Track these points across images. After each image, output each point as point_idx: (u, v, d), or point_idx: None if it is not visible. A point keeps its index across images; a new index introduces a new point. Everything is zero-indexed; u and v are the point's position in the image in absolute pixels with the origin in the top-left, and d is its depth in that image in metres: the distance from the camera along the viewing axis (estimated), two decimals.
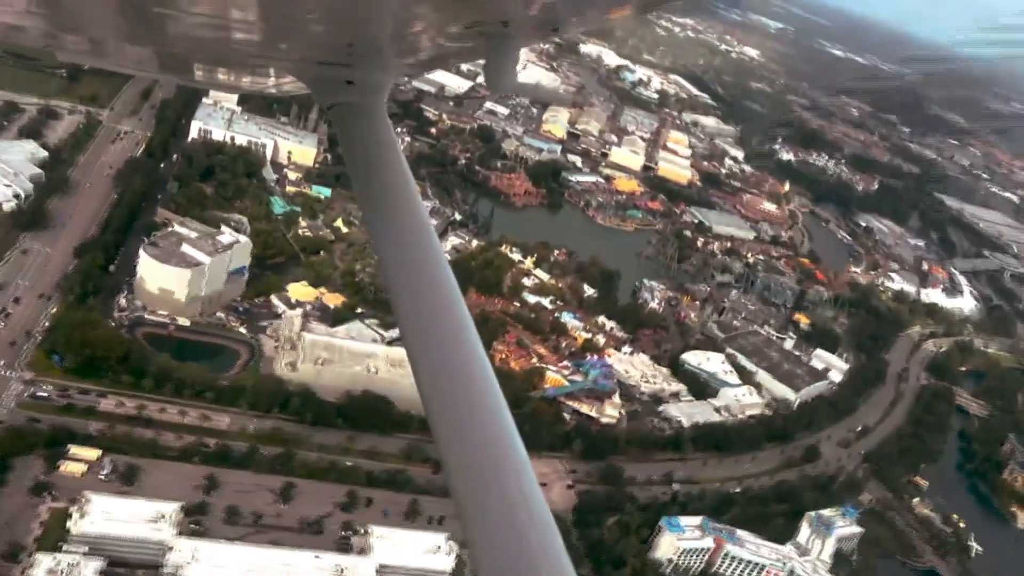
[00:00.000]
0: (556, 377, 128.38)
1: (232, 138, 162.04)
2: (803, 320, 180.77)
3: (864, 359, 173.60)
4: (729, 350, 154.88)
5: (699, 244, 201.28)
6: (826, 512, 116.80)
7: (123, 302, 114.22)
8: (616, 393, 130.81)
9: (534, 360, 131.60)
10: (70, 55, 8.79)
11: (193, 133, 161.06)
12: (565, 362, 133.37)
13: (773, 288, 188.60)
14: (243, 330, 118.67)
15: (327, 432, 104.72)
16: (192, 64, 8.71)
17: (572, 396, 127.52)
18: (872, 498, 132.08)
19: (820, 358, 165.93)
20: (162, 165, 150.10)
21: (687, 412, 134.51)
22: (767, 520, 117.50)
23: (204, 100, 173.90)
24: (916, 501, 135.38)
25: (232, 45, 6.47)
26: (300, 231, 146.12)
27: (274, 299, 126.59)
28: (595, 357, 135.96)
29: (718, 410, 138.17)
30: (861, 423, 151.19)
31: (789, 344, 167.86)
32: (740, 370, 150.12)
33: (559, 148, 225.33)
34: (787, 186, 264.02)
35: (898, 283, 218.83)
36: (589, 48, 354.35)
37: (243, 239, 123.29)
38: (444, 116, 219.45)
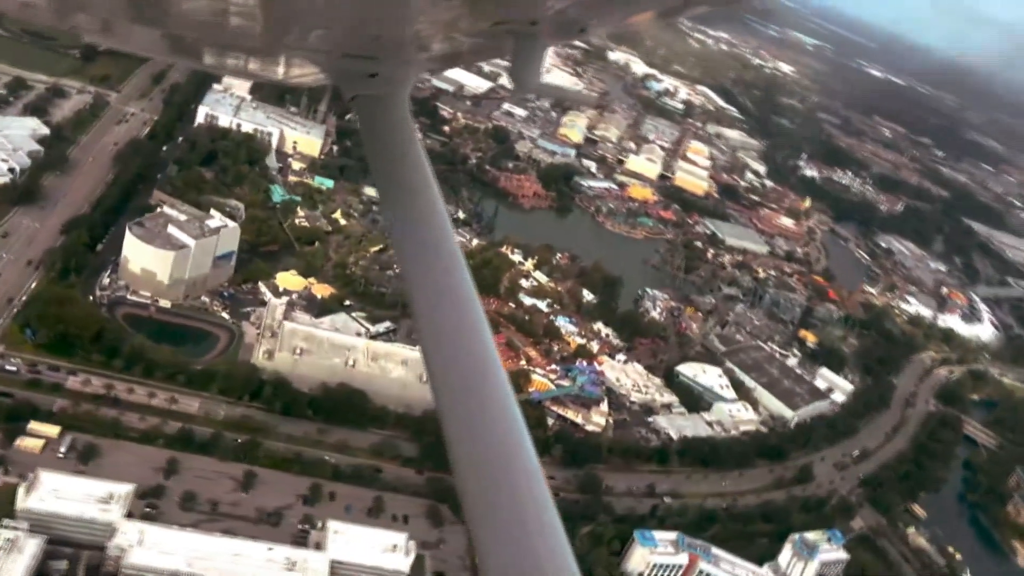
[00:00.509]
0: (542, 381, 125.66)
1: (238, 125, 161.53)
2: (809, 338, 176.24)
3: (870, 381, 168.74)
4: (728, 364, 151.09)
5: (709, 256, 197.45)
6: (811, 535, 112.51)
7: (106, 281, 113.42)
8: (604, 401, 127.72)
9: (522, 362, 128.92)
10: (89, 34, 8.71)
11: (200, 118, 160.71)
12: (553, 366, 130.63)
13: (782, 304, 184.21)
14: (225, 315, 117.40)
15: (298, 423, 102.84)
16: (207, 49, 8.60)
17: (558, 401, 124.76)
18: (864, 525, 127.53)
19: (824, 378, 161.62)
20: (164, 148, 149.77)
21: (677, 424, 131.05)
22: (750, 539, 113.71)
23: (214, 86, 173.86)
24: (911, 530, 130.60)
25: (255, 34, 6.49)
26: (297, 220, 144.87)
27: (261, 287, 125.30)
28: (585, 363, 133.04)
29: (710, 424, 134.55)
30: (860, 446, 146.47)
31: (793, 361, 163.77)
32: (738, 385, 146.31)
33: (573, 152, 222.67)
34: (808, 202, 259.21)
35: (915, 306, 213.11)
36: (617, 56, 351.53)
37: (231, 224, 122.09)
38: (459, 115, 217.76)
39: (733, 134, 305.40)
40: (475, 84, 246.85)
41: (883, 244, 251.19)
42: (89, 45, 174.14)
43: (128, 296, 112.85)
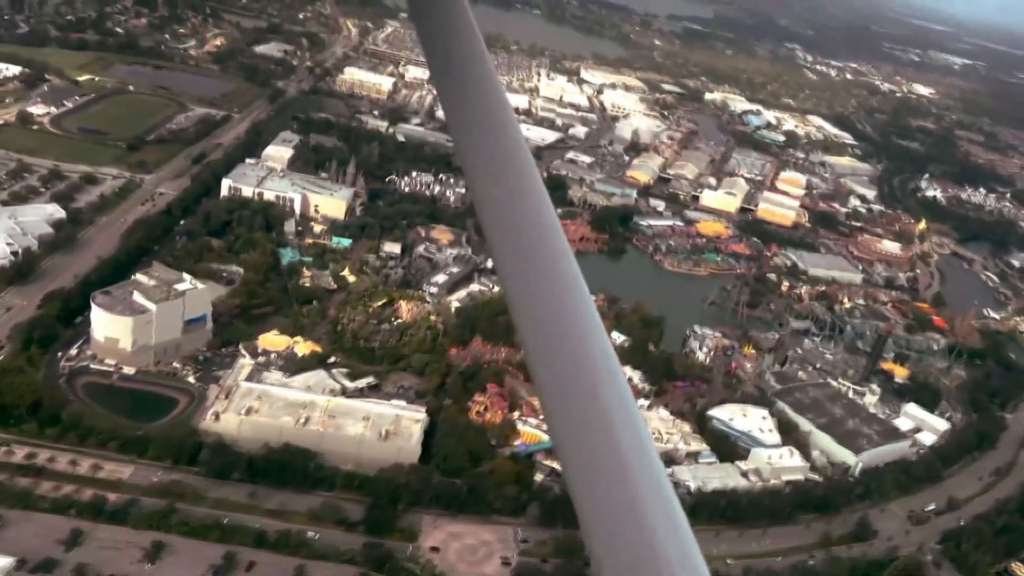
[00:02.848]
0: (533, 432, 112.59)
1: (260, 194, 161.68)
2: (898, 372, 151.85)
3: (975, 418, 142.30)
4: (780, 405, 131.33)
5: (783, 288, 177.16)
6: None
7: (73, 352, 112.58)
8: None
9: (515, 413, 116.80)
10: None
11: (224, 191, 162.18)
12: None
13: (867, 336, 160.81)
14: (192, 380, 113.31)
15: (233, 487, 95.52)
16: None
17: (551, 453, 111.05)
18: None
19: (910, 415, 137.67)
20: (182, 222, 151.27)
21: (702, 475, 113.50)
22: None
23: (247, 160, 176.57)
24: None
25: None
26: (302, 281, 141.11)
27: (242, 348, 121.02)
28: None
29: (745, 474, 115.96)
30: (947, 495, 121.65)
31: (872, 399, 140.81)
32: (789, 428, 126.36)
33: (634, 193, 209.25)
34: (923, 224, 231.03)
35: None
36: (714, 96, 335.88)
37: (200, 286, 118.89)
38: None
39: (841, 160, 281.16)
40: (540, 136, 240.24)
41: (1016, 263, 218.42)
42: (137, 136, 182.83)
43: (92, 365, 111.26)
